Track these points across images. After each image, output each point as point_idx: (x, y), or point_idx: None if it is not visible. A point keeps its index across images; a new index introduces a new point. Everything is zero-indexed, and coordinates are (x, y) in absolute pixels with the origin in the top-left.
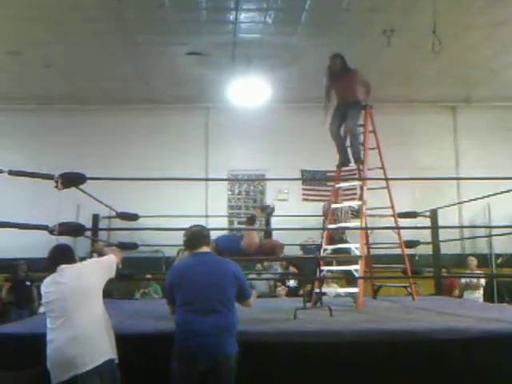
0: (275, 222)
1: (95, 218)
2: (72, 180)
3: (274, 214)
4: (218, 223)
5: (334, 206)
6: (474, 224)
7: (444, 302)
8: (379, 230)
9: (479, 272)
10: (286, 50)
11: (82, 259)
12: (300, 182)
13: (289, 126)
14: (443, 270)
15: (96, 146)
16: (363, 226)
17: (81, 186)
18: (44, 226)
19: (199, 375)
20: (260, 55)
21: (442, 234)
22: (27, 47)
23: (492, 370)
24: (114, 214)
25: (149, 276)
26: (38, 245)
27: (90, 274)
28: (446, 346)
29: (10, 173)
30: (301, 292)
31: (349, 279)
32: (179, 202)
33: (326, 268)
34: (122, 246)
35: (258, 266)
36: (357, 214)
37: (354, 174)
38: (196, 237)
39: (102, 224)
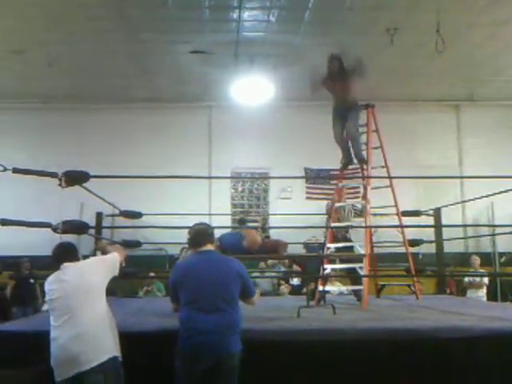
0: (279, 220)
1: (99, 216)
2: (75, 178)
3: (276, 212)
4: (221, 221)
5: (337, 204)
6: (477, 223)
7: (448, 300)
8: (383, 228)
9: (482, 271)
10: (289, 48)
11: (86, 257)
12: (303, 180)
13: (292, 124)
14: (447, 268)
15: (99, 144)
16: (367, 224)
17: (84, 184)
18: (48, 223)
19: (203, 373)
20: (263, 54)
21: (446, 233)
22: (30, 46)
23: (495, 368)
24: (117, 212)
25: (152, 274)
26: (41, 243)
27: (94, 272)
28: (450, 345)
29: (14, 171)
30: (304, 290)
31: (353, 278)
32: (182, 200)
33: (329, 266)
34: (126, 244)
35: (262, 265)
36: (360, 213)
37: (358, 173)
38: (200, 235)
39: (106, 222)
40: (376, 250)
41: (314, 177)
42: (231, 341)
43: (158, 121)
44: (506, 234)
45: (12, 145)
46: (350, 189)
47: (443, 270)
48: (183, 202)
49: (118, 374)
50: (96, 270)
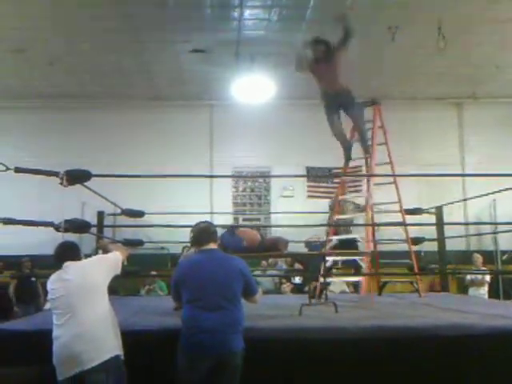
0: (280, 218)
1: (100, 214)
2: (77, 177)
3: (278, 211)
4: (222, 220)
5: (340, 197)
6: (479, 220)
7: (450, 298)
8: (385, 226)
9: (484, 269)
10: (290, 47)
11: (88, 256)
12: (305, 178)
13: (293, 122)
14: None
15: (100, 143)
16: (368, 218)
17: (86, 183)
18: (49, 222)
19: (205, 371)
20: (264, 52)
21: (448, 231)
22: (31, 45)
23: (498, 366)
24: (119, 210)
25: (154, 273)
26: (42, 242)
27: (96, 271)
28: (452, 343)
29: (16, 170)
30: (306, 289)
31: (354, 268)
32: (184, 199)
33: (330, 258)
34: (128, 243)
35: (263, 263)
36: (362, 208)
37: (360, 171)
38: (203, 233)
39: (107, 221)
40: (378, 247)
41: (316, 175)
42: (234, 339)
43: (159, 120)
44: (508, 231)
45: (13, 144)
46: (351, 182)
47: (445, 268)
48: (184, 201)
49: (120, 373)
50: (98, 269)
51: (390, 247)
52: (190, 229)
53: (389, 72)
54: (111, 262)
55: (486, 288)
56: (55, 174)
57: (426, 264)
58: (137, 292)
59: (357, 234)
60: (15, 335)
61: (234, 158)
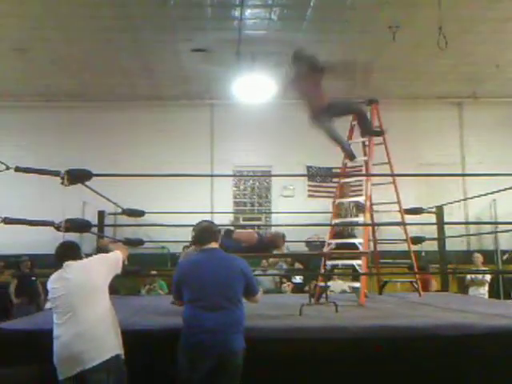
0: (281, 218)
1: (101, 214)
2: (78, 176)
3: (278, 210)
4: (223, 219)
5: (338, 200)
6: (479, 220)
7: (450, 298)
8: (385, 226)
9: (485, 268)
10: (291, 46)
11: (88, 255)
12: (306, 178)
13: (294, 122)
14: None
15: (101, 142)
16: (367, 221)
17: (86, 183)
18: (50, 222)
19: (206, 371)
20: (265, 52)
21: (448, 231)
22: (33, 44)
23: (498, 365)
24: (119, 210)
25: (154, 272)
26: (43, 241)
27: (96, 270)
28: (452, 342)
29: (17, 169)
30: (306, 288)
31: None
32: (185, 198)
33: (330, 263)
34: (128, 242)
35: (264, 263)
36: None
37: (360, 170)
38: (205, 233)
39: (108, 220)
40: (379, 247)
41: (316, 175)
42: (234, 339)
43: (160, 119)
44: (508, 231)
45: (14, 143)
46: (354, 186)
47: (445, 268)
48: (185, 201)
49: (121, 372)
50: (99, 269)
51: (390, 247)
52: (190, 228)
53: (389, 71)
54: (112, 262)
55: (486, 288)
56: (56, 173)
57: (427, 263)
58: (137, 291)
59: (361, 238)
60: (15, 335)
61: (234, 157)
